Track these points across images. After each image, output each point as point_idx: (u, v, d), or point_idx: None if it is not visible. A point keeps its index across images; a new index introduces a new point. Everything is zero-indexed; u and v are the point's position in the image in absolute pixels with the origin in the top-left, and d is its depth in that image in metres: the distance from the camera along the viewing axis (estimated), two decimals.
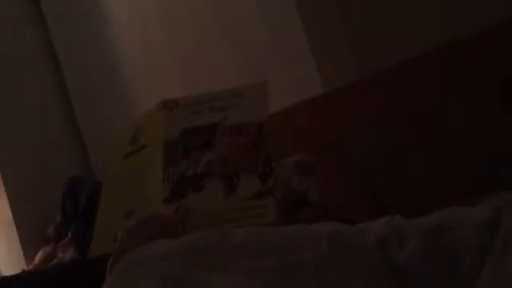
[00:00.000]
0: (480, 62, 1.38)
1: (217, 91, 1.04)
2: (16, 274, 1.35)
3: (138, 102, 2.23)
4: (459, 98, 1.40)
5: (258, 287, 0.65)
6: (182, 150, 0.99)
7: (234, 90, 1.03)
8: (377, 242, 0.66)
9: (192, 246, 0.72)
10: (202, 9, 2.03)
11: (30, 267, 2.23)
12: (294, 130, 1.57)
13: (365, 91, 1.56)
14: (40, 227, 2.32)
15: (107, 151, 1.16)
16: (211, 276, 0.67)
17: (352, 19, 1.71)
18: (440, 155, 1.44)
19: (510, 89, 1.32)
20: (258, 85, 1.03)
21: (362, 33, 1.70)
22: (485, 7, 1.46)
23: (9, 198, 2.31)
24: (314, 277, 0.65)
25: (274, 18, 1.82)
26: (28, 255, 2.28)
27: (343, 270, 0.65)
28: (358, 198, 1.53)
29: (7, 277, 1.27)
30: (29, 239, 2.31)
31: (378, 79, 1.55)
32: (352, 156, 1.55)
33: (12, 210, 2.30)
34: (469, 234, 0.61)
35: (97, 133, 2.44)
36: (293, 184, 1.19)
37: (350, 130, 1.56)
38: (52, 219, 2.32)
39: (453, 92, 1.42)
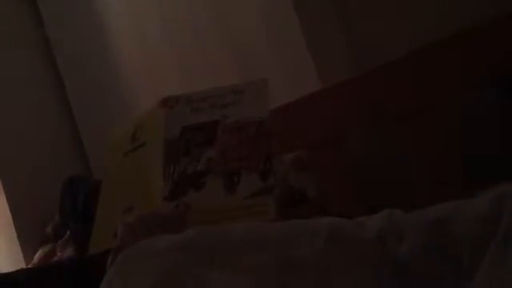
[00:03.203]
0: (479, 58, 1.38)
1: (217, 88, 1.04)
2: (14, 272, 1.34)
3: (137, 100, 2.23)
4: (458, 95, 1.40)
5: (257, 283, 0.65)
6: (183, 148, 0.99)
7: (234, 87, 1.03)
8: (376, 236, 0.66)
9: (191, 242, 0.72)
10: (200, 7, 2.03)
11: (29, 266, 2.23)
12: (291, 127, 1.56)
13: (363, 88, 1.56)
14: (39, 226, 2.32)
15: (107, 149, 1.16)
16: (210, 272, 0.67)
17: (349, 16, 1.72)
18: (439, 153, 1.44)
19: (509, 86, 1.32)
20: (259, 82, 1.03)
21: (359, 30, 1.70)
22: (482, 1, 1.46)
23: (7, 197, 2.31)
24: (314, 272, 0.65)
25: (271, 16, 1.82)
26: (27, 254, 2.28)
27: (342, 264, 0.65)
28: (355, 195, 1.53)
29: (6, 274, 1.27)
30: (28, 238, 2.31)
31: (375, 76, 1.55)
32: (350, 153, 1.56)
33: (11, 210, 2.30)
34: (469, 226, 0.61)
35: (95, 132, 2.44)
36: (291, 181, 1.19)
37: (348, 128, 1.56)
38: (50, 218, 2.32)
39: (452, 89, 1.42)
